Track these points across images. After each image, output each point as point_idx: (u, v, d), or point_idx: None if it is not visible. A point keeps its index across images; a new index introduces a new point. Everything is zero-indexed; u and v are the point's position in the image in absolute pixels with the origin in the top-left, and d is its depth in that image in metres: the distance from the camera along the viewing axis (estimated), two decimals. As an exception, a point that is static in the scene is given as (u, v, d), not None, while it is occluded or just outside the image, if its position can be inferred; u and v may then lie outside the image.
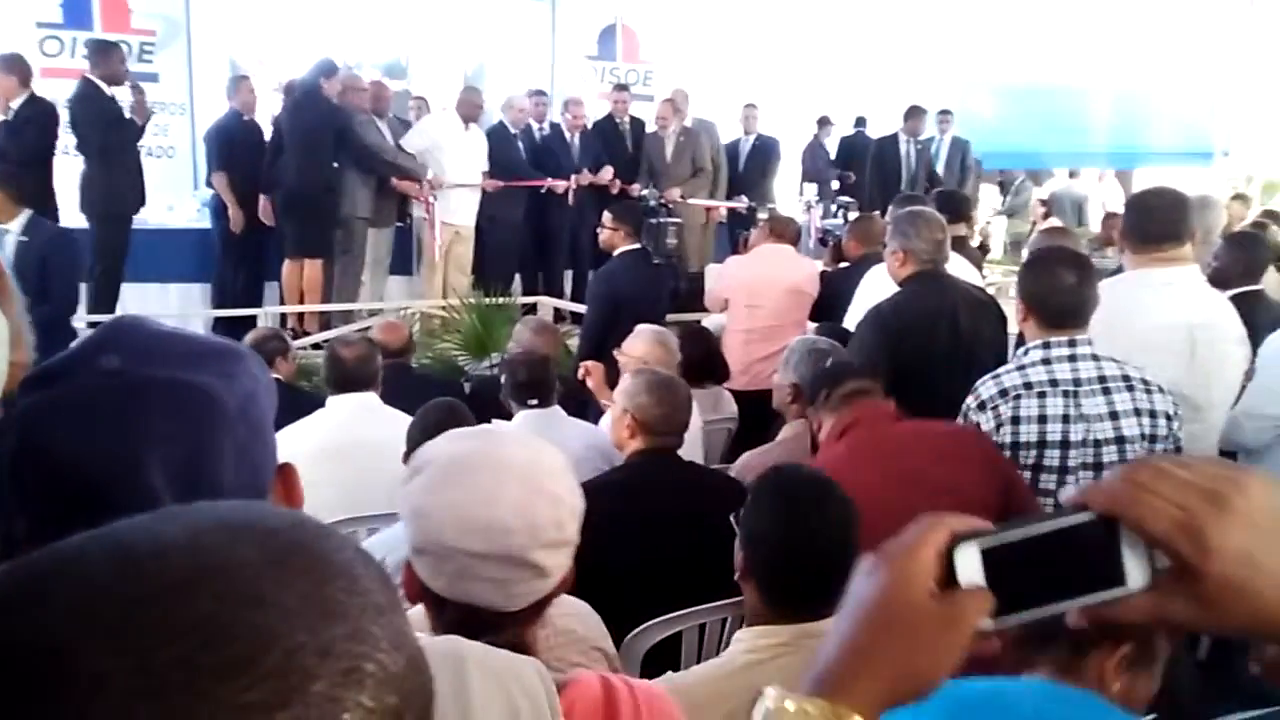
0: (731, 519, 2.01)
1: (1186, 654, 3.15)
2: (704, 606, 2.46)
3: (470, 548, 1.24)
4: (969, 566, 0.68)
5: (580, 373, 4.12)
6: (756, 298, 5.02)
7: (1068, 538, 0.68)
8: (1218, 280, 4.17)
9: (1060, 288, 2.70)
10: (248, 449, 0.83)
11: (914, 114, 9.39)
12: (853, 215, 6.47)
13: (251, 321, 6.69)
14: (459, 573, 1.25)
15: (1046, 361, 2.68)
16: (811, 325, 5.01)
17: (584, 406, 4.05)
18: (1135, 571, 0.67)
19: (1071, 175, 12.74)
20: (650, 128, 8.83)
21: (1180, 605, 0.66)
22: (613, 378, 3.89)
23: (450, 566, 1.25)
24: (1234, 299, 3.89)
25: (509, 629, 1.27)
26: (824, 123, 10.31)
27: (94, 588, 0.44)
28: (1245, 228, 5.58)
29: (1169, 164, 12.37)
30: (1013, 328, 3.68)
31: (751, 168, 9.33)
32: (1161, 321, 2.99)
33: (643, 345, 3.94)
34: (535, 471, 1.29)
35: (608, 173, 8.26)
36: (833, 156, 10.16)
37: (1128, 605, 0.68)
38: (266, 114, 7.70)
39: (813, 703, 0.66)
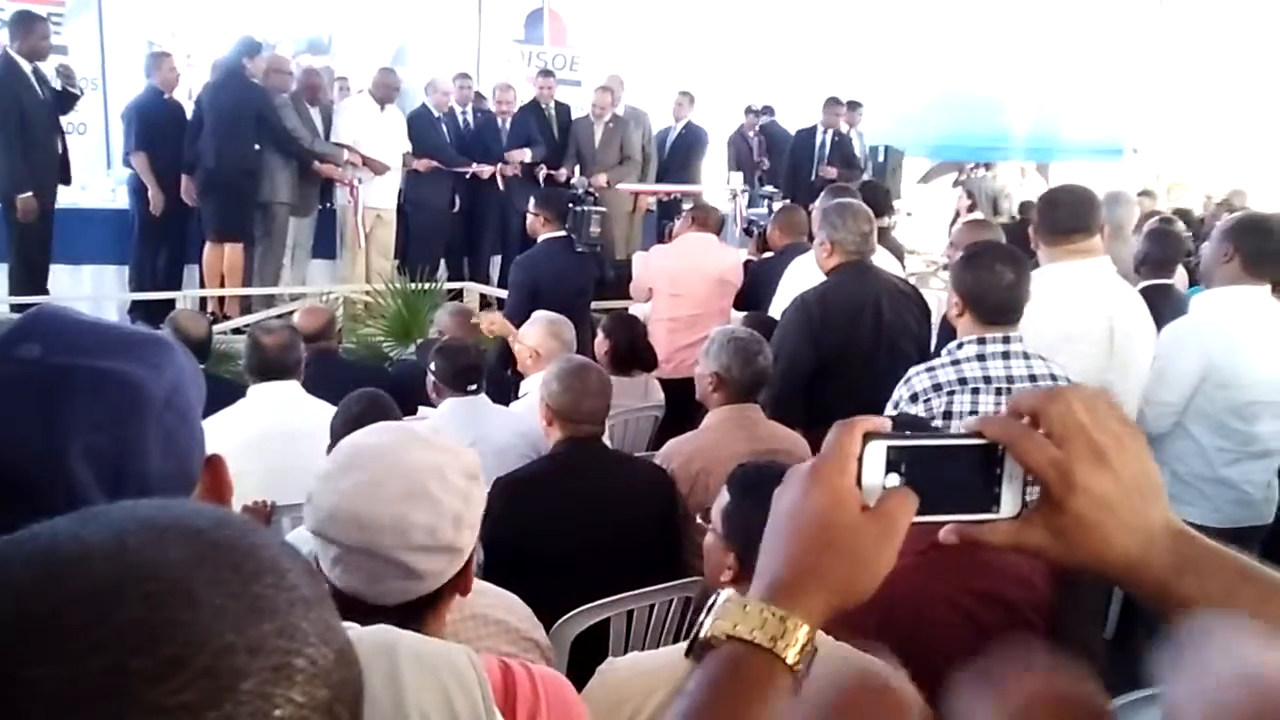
0: (699, 518, 2.00)
1: (1095, 632, 3.27)
2: (631, 593, 2.48)
3: (342, 539, 1.28)
4: (874, 463, 0.74)
5: (484, 325, 4.12)
6: (679, 286, 5.05)
7: (959, 457, 0.76)
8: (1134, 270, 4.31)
9: (1000, 285, 2.70)
10: (175, 439, 0.82)
11: (830, 105, 9.51)
12: (777, 205, 6.52)
13: (170, 305, 6.52)
14: (335, 560, 1.29)
15: (981, 358, 2.71)
16: (736, 314, 5.05)
17: (505, 395, 4.04)
18: (1008, 501, 0.75)
19: (986, 168, 13.02)
20: (577, 113, 8.79)
21: (1038, 536, 0.74)
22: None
23: (330, 553, 1.30)
24: (1147, 290, 4.02)
25: (377, 623, 1.25)
26: (751, 110, 10.22)
27: (19, 596, 0.44)
28: (1154, 223, 5.76)
29: (1082, 159, 12.74)
30: (935, 319, 3.76)
31: (677, 155, 9.34)
32: (1081, 313, 3.08)
33: (535, 334, 3.95)
34: (426, 476, 1.31)
35: (523, 154, 8.18)
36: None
37: (993, 528, 0.76)
38: (184, 91, 7.48)
39: (769, 608, 0.71)
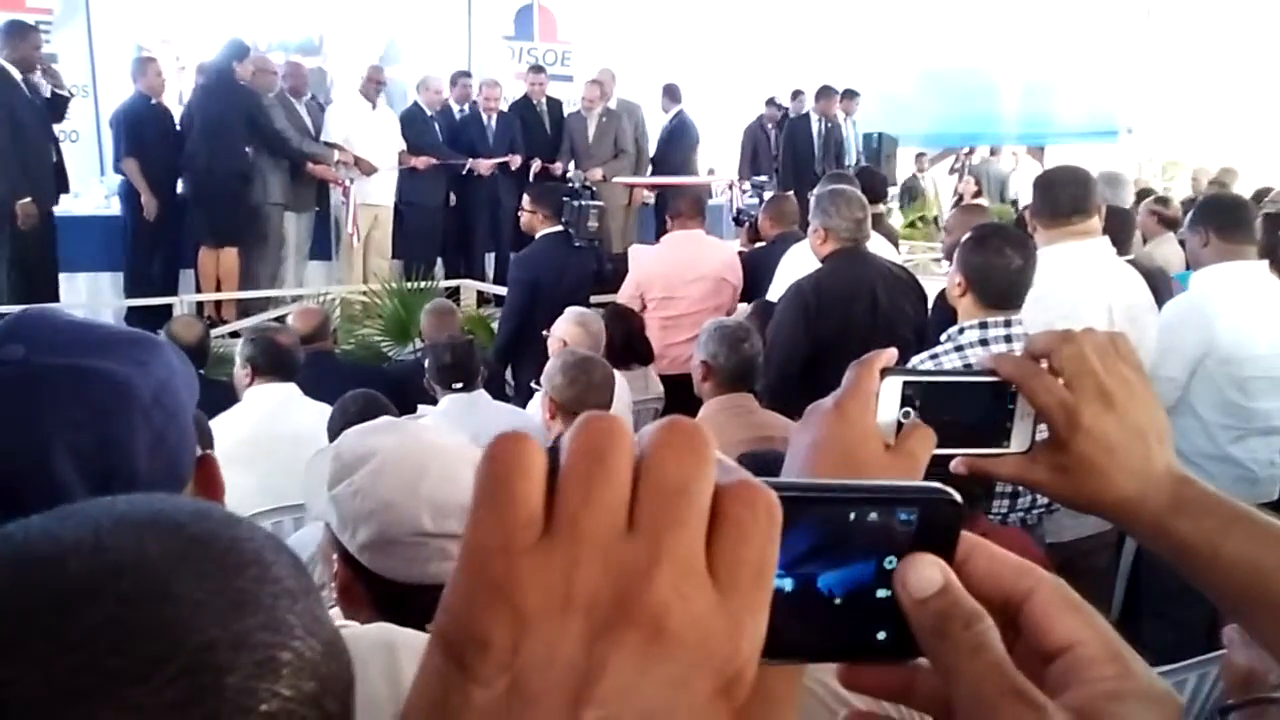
0: None
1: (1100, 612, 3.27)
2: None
3: (447, 530, 1.28)
4: (889, 398, 0.75)
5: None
6: (672, 290, 4.94)
7: (973, 394, 0.77)
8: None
9: (1007, 269, 2.68)
10: (163, 438, 0.81)
11: (825, 94, 9.48)
12: (768, 194, 6.48)
13: (167, 310, 6.51)
14: (432, 556, 1.28)
15: (984, 342, 2.69)
16: (744, 306, 4.99)
17: (504, 391, 4.04)
18: (1019, 436, 0.77)
19: (992, 153, 13.04)
20: (569, 108, 8.77)
21: (1043, 472, 0.77)
22: (544, 360, 3.88)
23: (425, 552, 1.28)
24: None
25: None
26: (772, 103, 10.04)
27: None
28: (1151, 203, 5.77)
29: (1076, 141, 12.72)
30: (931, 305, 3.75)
31: (666, 148, 9.27)
32: (1080, 295, 3.06)
33: (564, 326, 3.95)
34: (469, 454, 1.35)
35: (513, 160, 8.18)
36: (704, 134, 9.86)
37: (1002, 461, 0.78)
38: (171, 93, 7.47)
39: None
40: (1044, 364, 0.76)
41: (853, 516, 0.39)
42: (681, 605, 0.33)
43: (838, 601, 0.40)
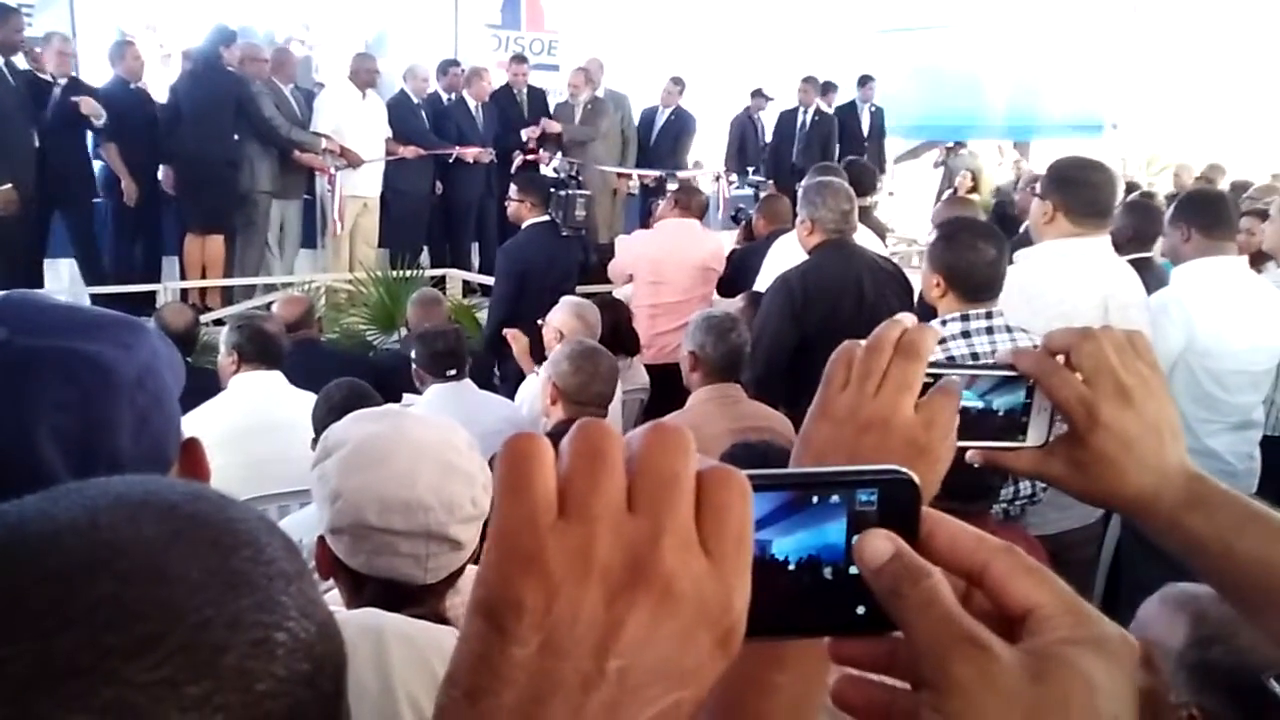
0: None
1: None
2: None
3: (391, 526, 1.28)
4: None
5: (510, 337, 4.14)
6: (660, 274, 4.99)
7: (991, 388, 0.78)
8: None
9: (983, 262, 2.68)
10: (148, 420, 0.81)
11: (807, 84, 9.48)
12: (764, 193, 6.50)
13: (150, 297, 6.47)
14: (378, 550, 1.29)
15: (966, 335, 2.69)
16: (719, 299, 5.02)
17: (491, 381, 4.04)
18: (1035, 431, 0.78)
19: (962, 145, 13.07)
20: (554, 98, 8.75)
21: (1059, 466, 0.78)
22: (535, 348, 3.90)
23: (370, 544, 1.29)
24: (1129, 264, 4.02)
25: (427, 601, 1.32)
26: (759, 94, 10.00)
27: None
28: (1134, 197, 5.79)
29: (1062, 136, 12.76)
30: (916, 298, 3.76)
31: (663, 140, 9.25)
32: (1077, 291, 3.04)
33: (560, 316, 3.96)
34: (447, 451, 1.34)
35: (553, 126, 8.23)
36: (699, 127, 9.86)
37: (1018, 455, 0.79)
38: (155, 80, 7.39)
39: None
40: (1062, 360, 0.77)
41: (815, 500, 0.44)
42: (684, 571, 0.39)
43: (815, 579, 0.44)
